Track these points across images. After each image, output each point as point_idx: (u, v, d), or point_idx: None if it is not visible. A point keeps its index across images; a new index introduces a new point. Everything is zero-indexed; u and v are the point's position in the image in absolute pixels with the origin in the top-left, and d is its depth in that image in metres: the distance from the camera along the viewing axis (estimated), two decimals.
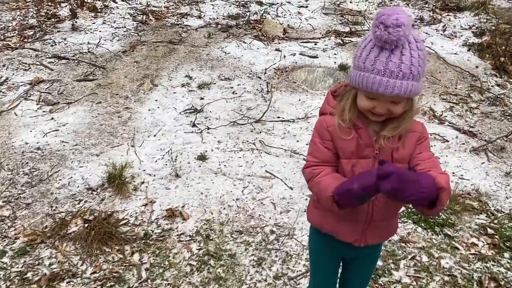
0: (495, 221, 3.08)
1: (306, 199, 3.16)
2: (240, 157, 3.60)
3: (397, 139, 1.50)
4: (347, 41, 5.92)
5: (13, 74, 4.76)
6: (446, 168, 3.59)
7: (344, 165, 1.53)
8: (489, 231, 2.99)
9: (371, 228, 1.61)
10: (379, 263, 2.68)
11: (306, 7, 7.30)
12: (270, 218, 3.00)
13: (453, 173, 3.56)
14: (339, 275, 1.93)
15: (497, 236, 2.94)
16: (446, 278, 2.60)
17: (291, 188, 3.26)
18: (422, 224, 3.02)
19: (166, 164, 3.48)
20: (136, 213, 3.00)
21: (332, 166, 1.56)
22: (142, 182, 3.28)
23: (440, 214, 3.03)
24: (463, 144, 3.97)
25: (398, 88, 1.34)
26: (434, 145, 3.88)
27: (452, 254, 2.78)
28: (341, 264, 1.89)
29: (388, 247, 2.80)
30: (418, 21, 6.80)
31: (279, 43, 5.85)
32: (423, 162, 1.48)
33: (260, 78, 4.92)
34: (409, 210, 3.11)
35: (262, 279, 2.53)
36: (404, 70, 1.34)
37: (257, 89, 4.66)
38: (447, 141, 3.99)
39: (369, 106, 1.44)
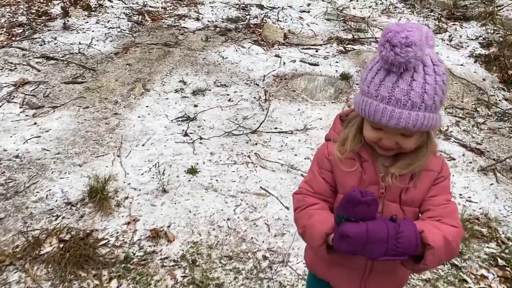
0: (506, 251, 2.85)
1: None
2: (233, 171, 3.36)
3: (408, 178, 1.26)
4: (349, 49, 5.69)
5: None
6: (453, 189, 3.36)
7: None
8: (500, 262, 2.76)
9: (372, 278, 1.38)
10: None
11: (308, 12, 7.07)
12: (263, 241, 2.76)
13: (460, 194, 3.33)
14: None
15: (508, 269, 2.71)
16: None
17: (287, 208, 3.02)
18: None
19: (153, 178, 3.23)
20: (117, 232, 2.75)
21: (326, 202, 1.33)
22: (126, 197, 3.04)
23: (460, 254, 2.78)
24: (470, 162, 3.74)
25: (405, 120, 1.11)
26: None
27: None
28: None
29: None
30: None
31: (279, 49, 5.62)
32: (435, 208, 1.24)
33: (258, 85, 4.69)
34: None
35: None
36: (414, 98, 1.11)
37: (254, 97, 4.43)
38: (454, 159, 3.77)
39: (374, 137, 1.21)
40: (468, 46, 6.06)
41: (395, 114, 1.11)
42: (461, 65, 5.50)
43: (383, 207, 1.27)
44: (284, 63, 5.19)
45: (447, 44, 6.11)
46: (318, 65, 5.21)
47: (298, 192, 1.41)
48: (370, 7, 7.42)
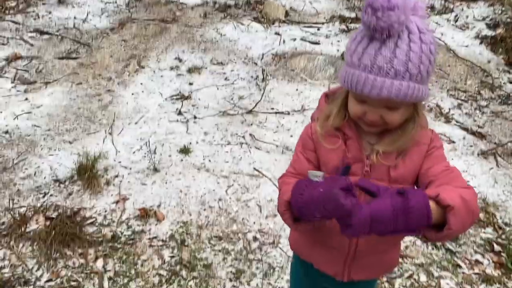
0: (503, 236, 2.78)
1: None
2: (227, 152, 3.28)
3: (395, 155, 1.18)
4: (352, 28, 5.53)
5: None
6: None
7: None
8: (496, 247, 2.69)
9: (356, 262, 1.31)
10: None
11: None
12: (254, 222, 2.71)
13: None
14: None
15: (504, 254, 2.65)
16: None
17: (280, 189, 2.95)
18: (422, 237, 2.72)
19: (145, 156, 3.16)
20: (106, 211, 2.70)
21: None
22: (116, 176, 2.98)
23: (455, 239, 2.71)
24: (471, 146, 3.65)
25: (387, 89, 1.03)
26: None
27: (453, 274, 2.49)
28: None
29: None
30: (429, 9, 6.39)
31: (280, 27, 5.47)
32: (437, 177, 1.13)
33: (256, 64, 4.57)
34: None
35: None
36: (397, 66, 1.03)
37: (251, 76, 4.32)
38: (454, 142, 3.67)
39: (359, 111, 1.13)
40: (474, 27, 5.88)
41: (377, 83, 1.03)
42: (466, 46, 5.35)
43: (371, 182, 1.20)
44: (284, 41, 5.06)
45: (453, 24, 5.94)
46: (319, 43, 5.08)
47: (281, 176, 1.35)
48: None
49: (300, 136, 1.35)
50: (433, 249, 2.65)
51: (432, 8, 6.42)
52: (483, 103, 4.36)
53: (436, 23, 5.94)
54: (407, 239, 2.69)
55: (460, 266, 2.56)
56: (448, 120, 3.99)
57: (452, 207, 0.96)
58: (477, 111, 4.21)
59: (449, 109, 4.16)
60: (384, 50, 1.03)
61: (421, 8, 1.07)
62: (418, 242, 2.69)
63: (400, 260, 2.55)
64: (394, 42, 1.03)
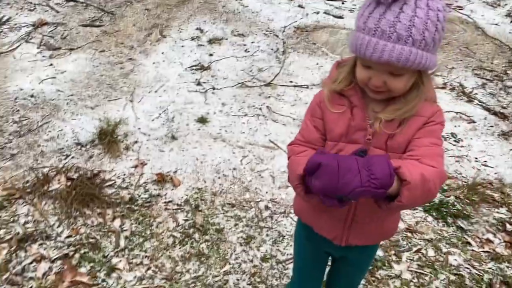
0: None
1: None
2: (243, 123, 3.32)
3: (397, 124, 1.20)
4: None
5: (16, 13, 4.51)
6: (469, 152, 3.25)
7: (329, 149, 1.27)
8: (508, 227, 2.69)
9: (354, 227, 1.35)
10: (379, 253, 2.43)
11: None
12: (266, 192, 2.77)
13: (476, 158, 3.22)
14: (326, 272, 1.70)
15: None
16: (452, 277, 2.34)
17: None
18: (434, 213, 2.74)
19: (163, 124, 3.24)
20: (124, 174, 2.80)
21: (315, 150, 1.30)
22: (135, 142, 3.06)
23: (467, 217, 2.70)
24: (492, 126, 3.59)
25: (388, 53, 1.04)
26: (459, 126, 3.52)
27: (462, 251, 2.51)
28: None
29: (392, 236, 2.55)
30: None
31: None
32: (417, 148, 1.16)
33: (277, 36, 4.55)
34: None
35: (248, 259, 2.33)
36: (399, 30, 1.04)
37: (272, 49, 4.31)
38: (474, 122, 3.62)
39: (364, 77, 1.16)
40: (506, 4, 5.66)
41: (379, 46, 1.04)
42: (496, 24, 5.17)
43: (369, 153, 1.22)
44: (307, 14, 4.99)
45: (484, 1, 5.73)
46: (343, 17, 4.99)
47: (290, 143, 1.39)
48: None
49: (309, 104, 1.37)
50: (443, 226, 2.66)
51: None
52: (510, 83, 4.24)
53: None
54: (418, 215, 2.71)
55: (470, 244, 2.57)
56: (470, 99, 3.92)
57: (408, 182, 1.01)
58: (502, 92, 4.11)
59: (473, 88, 4.07)
60: (388, 14, 1.04)
61: None
62: (430, 218, 2.70)
63: (409, 234, 2.58)
64: (399, 7, 1.04)
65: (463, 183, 2.95)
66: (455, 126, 3.51)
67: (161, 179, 2.78)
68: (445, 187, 2.91)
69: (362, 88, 1.21)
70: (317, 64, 4.17)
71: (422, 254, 2.46)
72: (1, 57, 3.86)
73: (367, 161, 1.00)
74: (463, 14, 5.27)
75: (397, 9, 1.04)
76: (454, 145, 3.32)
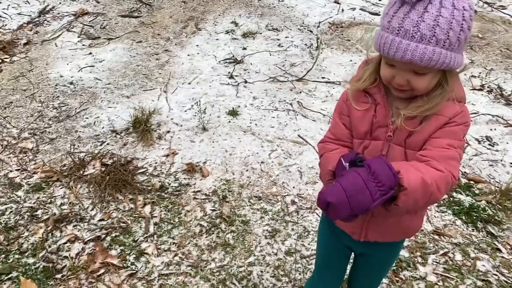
0: None
1: None
2: (273, 117, 3.35)
3: (418, 122, 1.19)
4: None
5: (60, 3, 4.68)
6: (504, 157, 3.17)
7: (356, 147, 1.29)
8: None
9: (373, 223, 1.36)
10: (405, 254, 2.42)
11: None
12: (293, 187, 2.79)
13: (511, 163, 3.14)
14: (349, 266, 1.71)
15: None
16: (479, 283, 2.30)
17: None
18: (463, 217, 2.69)
19: (195, 115, 3.30)
20: (156, 163, 2.88)
21: (347, 147, 1.33)
22: (168, 131, 3.14)
23: (498, 223, 2.65)
24: None
25: (411, 53, 1.05)
26: (495, 129, 3.43)
27: (491, 257, 2.46)
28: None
29: (419, 238, 2.52)
30: None
31: None
32: (431, 149, 1.16)
33: (311, 31, 4.54)
34: (451, 199, 2.78)
35: (272, 252, 2.36)
36: (423, 30, 1.03)
37: (305, 44, 4.30)
38: (511, 125, 3.51)
39: (388, 75, 1.16)
40: None
41: (402, 45, 1.05)
42: None
43: (389, 150, 1.23)
44: (342, 10, 4.96)
45: None
46: (379, 14, 4.93)
47: (321, 141, 1.41)
48: None
49: (337, 102, 1.39)
50: (473, 230, 2.61)
51: None
52: None
53: None
54: (447, 218, 2.67)
55: (500, 250, 2.51)
56: (508, 102, 3.80)
57: (405, 188, 1.02)
58: None
59: None
60: (412, 14, 1.04)
61: None
62: (459, 222, 2.66)
63: (437, 237, 2.54)
64: (424, 6, 1.03)
65: (496, 188, 2.88)
66: (491, 130, 3.42)
67: (191, 169, 2.84)
68: (477, 191, 2.85)
69: (386, 86, 1.21)
70: (351, 61, 4.14)
71: (449, 257, 2.43)
72: (44, 45, 4.03)
73: (368, 170, 1.03)
74: (506, 14, 5.09)
75: (421, 8, 1.04)
76: (488, 148, 3.24)
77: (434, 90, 1.16)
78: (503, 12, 5.13)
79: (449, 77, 1.15)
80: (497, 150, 3.22)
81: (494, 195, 2.82)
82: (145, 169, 2.83)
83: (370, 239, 1.39)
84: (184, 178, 2.79)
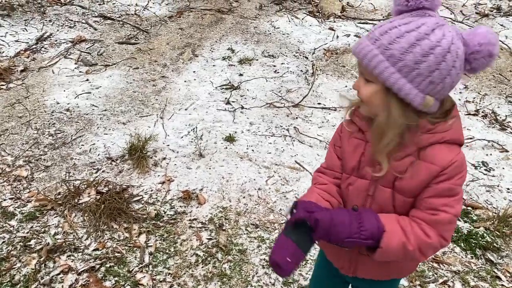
0: None
1: None
2: (270, 143, 3.35)
3: (406, 167, 1.12)
4: None
5: (57, 30, 4.72)
6: (500, 182, 3.17)
7: (343, 181, 1.30)
8: None
9: (361, 260, 1.33)
10: (404, 283, 2.38)
11: None
12: None
13: (508, 189, 3.13)
14: None
15: None
16: None
17: None
18: (462, 244, 2.67)
19: (192, 142, 3.30)
20: (152, 190, 2.86)
21: (338, 180, 1.33)
22: (164, 158, 3.13)
23: (497, 250, 2.63)
24: None
25: (360, 48, 1.06)
26: (491, 154, 3.44)
27: (491, 285, 2.43)
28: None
29: (418, 266, 2.49)
30: (495, 10, 6.09)
31: (334, 22, 5.43)
32: (423, 211, 1.13)
33: (306, 58, 4.59)
34: None
35: (269, 282, 2.32)
36: (383, 39, 1.02)
37: (301, 70, 4.34)
38: (507, 151, 3.52)
39: (355, 83, 1.18)
40: None
41: (361, 42, 1.07)
42: None
43: (376, 191, 1.20)
44: (337, 36, 5.03)
45: None
46: None
47: (316, 170, 1.42)
48: None
49: (334, 132, 1.39)
50: (472, 258, 2.59)
51: (498, 9, 6.11)
52: None
53: (502, 25, 5.66)
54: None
55: (499, 278, 2.48)
56: (503, 127, 3.83)
57: (381, 247, 1.10)
58: None
59: (506, 116, 3.98)
60: (386, 24, 1.04)
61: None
62: (457, 249, 2.63)
63: (436, 265, 2.51)
64: (399, 23, 1.02)
65: (494, 214, 2.87)
66: (487, 155, 3.43)
67: (187, 196, 2.82)
68: (475, 218, 2.83)
69: None
70: (346, 86, 4.18)
71: (449, 286, 2.39)
72: (41, 72, 4.04)
73: (359, 214, 1.11)
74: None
75: (396, 24, 1.03)
76: (485, 174, 3.24)
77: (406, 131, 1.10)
78: None
79: (408, 113, 1.07)
80: (493, 176, 3.23)
81: (492, 221, 2.80)
82: (141, 196, 2.80)
83: (359, 276, 1.37)
84: (180, 206, 2.77)
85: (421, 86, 1.02)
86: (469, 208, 2.93)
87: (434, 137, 1.09)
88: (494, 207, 2.94)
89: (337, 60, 4.59)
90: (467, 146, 3.49)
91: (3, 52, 4.28)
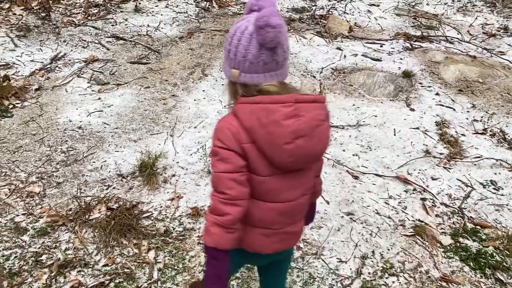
0: None
1: (342, 216, 2.89)
2: None
3: None
4: (416, 46, 5.46)
5: (71, 50, 4.85)
6: (510, 201, 3.15)
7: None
8: None
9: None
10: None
11: (378, 5, 6.85)
12: None
13: None
14: None
15: None
16: None
17: (328, 202, 3.00)
18: (471, 263, 2.65)
19: (201, 159, 3.34)
20: (161, 207, 2.89)
21: None
22: (173, 175, 3.17)
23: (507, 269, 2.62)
24: None
25: None
26: (499, 173, 3.43)
27: None
28: None
29: (427, 285, 2.48)
30: (502, 30, 6.14)
31: (342, 42, 5.51)
32: None
33: (314, 77, 4.65)
34: (458, 244, 2.75)
35: None
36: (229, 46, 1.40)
37: (308, 89, 4.40)
38: None
39: None
40: None
41: None
42: None
43: None
44: (345, 56, 5.10)
45: None
46: (381, 60, 5.06)
47: None
48: (445, 3, 7.05)
49: None
50: (481, 277, 2.57)
51: (505, 29, 6.16)
52: None
53: (509, 44, 5.70)
54: (454, 264, 2.63)
55: None
56: (511, 146, 3.82)
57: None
58: None
59: None
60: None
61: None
62: (466, 268, 2.62)
63: (445, 284, 2.50)
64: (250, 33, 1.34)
65: (503, 233, 2.85)
66: (495, 174, 3.42)
67: (196, 213, 2.85)
68: (483, 237, 2.82)
69: None
70: (353, 105, 4.22)
71: None
72: (54, 90, 4.15)
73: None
74: (504, 59, 5.22)
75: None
76: (494, 193, 3.23)
77: None
78: (502, 58, 5.26)
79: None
80: (502, 195, 3.22)
81: (502, 240, 2.79)
82: (150, 213, 2.84)
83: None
84: (189, 222, 2.80)
85: (227, 62, 1.39)
86: (477, 227, 2.92)
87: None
88: (504, 226, 2.93)
89: (344, 79, 4.64)
90: (475, 164, 3.49)
91: (19, 71, 4.40)
